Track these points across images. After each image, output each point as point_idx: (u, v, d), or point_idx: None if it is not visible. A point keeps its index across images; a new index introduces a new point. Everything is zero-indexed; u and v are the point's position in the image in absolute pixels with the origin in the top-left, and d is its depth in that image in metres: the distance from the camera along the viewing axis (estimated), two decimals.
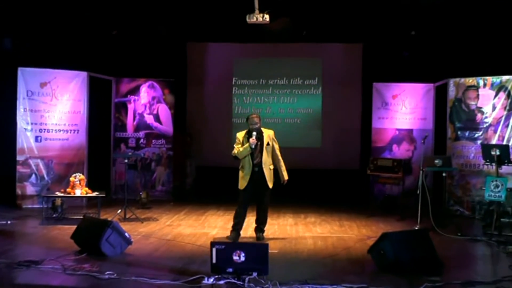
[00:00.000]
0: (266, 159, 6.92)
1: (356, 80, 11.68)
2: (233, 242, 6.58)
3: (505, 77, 9.13)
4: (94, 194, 8.32)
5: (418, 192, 7.94)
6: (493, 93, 9.23)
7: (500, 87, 9.16)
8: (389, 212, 9.41)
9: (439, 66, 10.47)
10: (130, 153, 10.22)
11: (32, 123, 9.63)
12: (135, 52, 11.24)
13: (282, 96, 11.98)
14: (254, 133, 6.82)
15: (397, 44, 10.98)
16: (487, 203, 8.04)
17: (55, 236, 7.17)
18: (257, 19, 8.73)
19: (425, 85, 10.54)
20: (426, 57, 10.75)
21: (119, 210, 8.53)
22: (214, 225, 8.18)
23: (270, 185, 6.99)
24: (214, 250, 5.14)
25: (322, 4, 9.91)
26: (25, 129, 9.58)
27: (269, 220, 8.58)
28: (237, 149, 6.92)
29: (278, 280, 5.08)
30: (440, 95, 10.24)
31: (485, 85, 9.34)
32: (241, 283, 5.00)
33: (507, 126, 9.02)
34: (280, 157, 7.08)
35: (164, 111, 10.88)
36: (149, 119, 10.86)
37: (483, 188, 7.80)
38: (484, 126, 9.28)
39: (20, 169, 9.53)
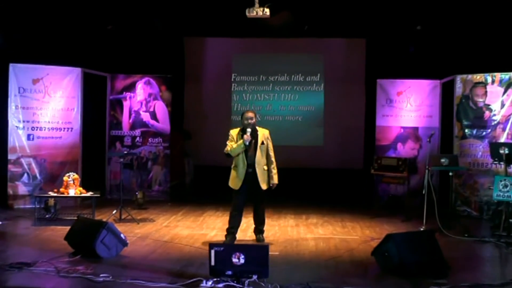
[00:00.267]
0: (260, 159, 6.84)
1: (360, 77, 11.67)
2: (232, 244, 6.57)
3: None
4: (89, 194, 8.32)
5: (423, 192, 7.94)
6: (501, 90, 9.22)
7: (509, 84, 9.15)
8: (393, 212, 9.40)
9: (445, 62, 10.46)
10: (125, 152, 10.23)
11: (24, 121, 9.62)
12: (130, 48, 11.23)
13: (283, 93, 11.97)
14: (249, 129, 6.76)
15: (402, 39, 10.96)
16: (495, 203, 8.03)
17: (48, 238, 7.15)
18: (257, 13, 8.72)
19: (431, 81, 10.53)
20: (432, 52, 10.73)
21: (115, 211, 8.52)
22: (212, 226, 8.17)
23: (264, 187, 6.87)
24: (212, 252, 5.13)
25: None
26: (16, 127, 9.57)
27: (269, 221, 8.62)
28: (230, 146, 6.84)
29: (279, 283, 5.08)
30: (447, 92, 10.23)
31: (493, 81, 9.32)
32: (241, 286, 5.00)
33: None
34: (273, 159, 6.96)
35: (160, 108, 10.87)
36: (145, 116, 10.85)
37: (491, 187, 7.79)
38: (493, 124, 9.27)
39: (11, 168, 9.52)
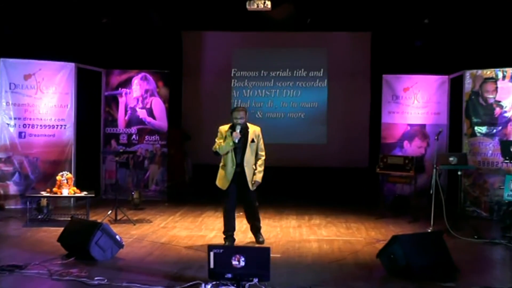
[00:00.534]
0: (249, 158, 6.75)
1: (365, 72, 11.67)
2: (232, 246, 6.57)
3: None
4: (83, 194, 8.31)
5: (431, 192, 7.93)
6: None
7: None
8: (400, 213, 9.40)
9: (454, 57, 10.45)
10: (121, 150, 10.22)
11: (15, 118, 9.62)
12: (126, 42, 11.22)
13: (284, 89, 11.97)
14: (239, 126, 6.68)
15: (409, 33, 10.95)
16: (506, 204, 8.02)
17: (41, 239, 7.15)
18: (257, 6, 8.72)
19: (439, 77, 10.52)
20: (440, 46, 10.72)
21: (110, 211, 8.52)
22: (211, 228, 8.16)
23: (252, 188, 6.78)
24: (211, 254, 5.12)
25: None
26: (7, 124, 9.57)
27: (270, 222, 8.64)
28: (218, 144, 6.78)
29: (280, 286, 5.08)
30: (456, 88, 10.22)
31: (504, 77, 9.31)
32: None
33: None
34: (263, 157, 6.85)
35: (157, 105, 10.86)
36: (141, 113, 10.85)
37: (502, 187, 7.77)
38: (503, 121, 9.25)
39: (2, 167, 9.52)
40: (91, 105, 10.83)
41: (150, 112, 10.87)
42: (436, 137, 8.39)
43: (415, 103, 10.53)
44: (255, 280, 5.05)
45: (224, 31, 11.92)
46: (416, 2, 9.97)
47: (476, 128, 9.55)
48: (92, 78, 10.77)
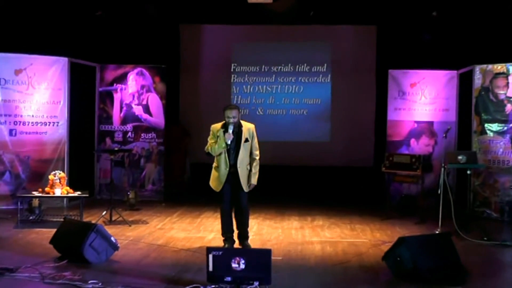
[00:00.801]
0: (243, 158, 6.68)
1: (370, 67, 11.66)
2: (231, 248, 6.56)
3: None
4: (76, 194, 8.31)
5: (439, 191, 7.92)
6: None
7: None
8: (406, 214, 9.41)
9: (463, 51, 10.43)
10: (116, 148, 10.21)
11: (5, 115, 9.61)
12: (121, 36, 11.21)
13: (286, 84, 11.96)
14: (231, 126, 6.59)
15: (416, 26, 10.93)
16: None
17: (32, 241, 7.15)
18: None
19: (447, 72, 10.51)
20: (449, 40, 10.71)
21: (104, 212, 8.52)
22: (210, 229, 8.17)
23: (246, 189, 6.72)
24: (210, 256, 5.13)
25: None
26: None
27: (272, 224, 8.65)
28: (210, 144, 6.73)
29: None
30: (465, 84, 10.20)
31: None
32: None
33: None
34: (257, 157, 6.77)
35: (154, 101, 10.85)
36: (137, 110, 10.84)
37: None
38: None
39: None
40: (85, 101, 10.82)
41: (147, 109, 10.85)
42: (444, 135, 8.38)
43: (423, 100, 10.51)
44: (256, 283, 5.06)
45: (224, 24, 11.90)
46: None
47: (486, 125, 9.53)
48: (86, 73, 10.75)
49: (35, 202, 8.52)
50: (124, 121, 10.87)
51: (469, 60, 10.04)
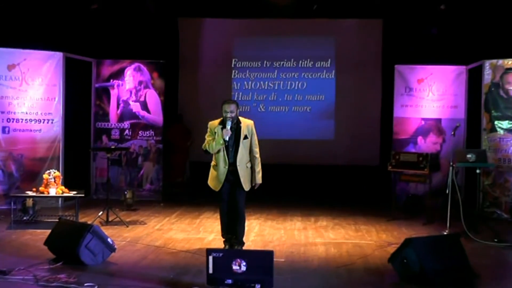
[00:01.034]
0: (243, 156, 6.66)
1: (375, 62, 11.66)
2: (232, 250, 6.55)
3: None
4: (72, 193, 8.30)
5: (447, 191, 7.92)
6: None
7: None
8: (413, 214, 9.41)
9: (472, 46, 10.41)
10: (113, 146, 10.21)
11: None
12: (118, 30, 11.20)
13: (289, 80, 11.96)
14: (229, 123, 6.56)
15: (424, 20, 10.92)
16: None
17: (26, 242, 7.14)
18: None
19: (456, 67, 10.49)
20: (458, 35, 10.69)
21: (101, 212, 8.52)
22: (210, 230, 8.16)
23: (246, 188, 6.70)
24: (210, 258, 5.13)
25: None
26: None
27: (274, 224, 8.64)
28: (208, 141, 6.69)
29: None
30: (474, 79, 10.19)
31: None
32: None
33: None
34: (257, 155, 6.75)
35: (152, 97, 10.85)
36: (135, 107, 10.84)
37: None
38: None
39: None
40: (81, 98, 10.82)
41: (144, 106, 10.85)
42: (452, 133, 8.37)
43: (430, 96, 10.50)
44: (257, 286, 5.06)
45: (224, 18, 11.90)
46: None
47: (496, 122, 9.52)
48: (82, 68, 10.76)
49: (29, 202, 8.51)
50: (121, 118, 10.87)
51: (478, 54, 10.02)
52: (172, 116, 11.59)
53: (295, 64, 11.94)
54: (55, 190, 8.20)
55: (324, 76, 11.93)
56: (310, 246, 7.27)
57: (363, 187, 11.23)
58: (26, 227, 7.99)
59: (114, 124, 10.89)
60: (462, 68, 10.47)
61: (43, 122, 9.89)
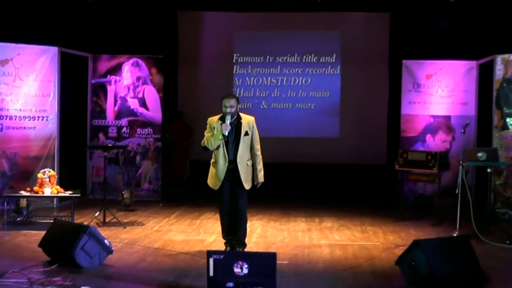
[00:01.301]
0: (243, 153, 6.67)
1: (382, 57, 11.63)
2: (234, 251, 6.55)
3: None
4: (67, 193, 8.30)
5: (457, 191, 7.90)
6: None
7: None
8: (421, 215, 9.41)
9: (483, 40, 10.39)
10: (110, 145, 10.21)
11: None
12: (115, 24, 11.19)
13: (293, 76, 11.94)
14: (228, 117, 6.56)
15: (432, 13, 10.89)
16: None
17: (20, 244, 7.15)
18: None
19: (466, 62, 10.47)
20: (468, 28, 10.66)
21: (97, 213, 8.52)
22: (211, 231, 8.17)
23: (247, 186, 6.70)
24: (211, 260, 5.12)
25: None
26: None
27: (277, 225, 8.64)
28: (207, 138, 6.70)
29: None
30: (485, 75, 10.17)
31: None
32: None
33: None
34: (258, 152, 6.76)
35: (151, 94, 10.86)
36: (133, 103, 10.84)
37: None
38: None
39: None
40: (77, 94, 10.83)
41: (143, 102, 10.86)
42: (462, 130, 8.36)
43: (439, 92, 10.48)
44: None
45: (225, 11, 11.89)
46: None
47: (508, 120, 9.51)
48: (78, 64, 10.76)
49: (23, 202, 8.52)
50: (118, 116, 10.88)
51: (489, 49, 10.00)
52: (171, 113, 11.59)
53: (298, 60, 11.92)
54: (50, 189, 8.20)
55: (329, 71, 11.91)
56: (315, 248, 7.26)
57: (369, 187, 11.23)
58: (19, 228, 8.00)
59: (111, 122, 10.89)
60: (473, 63, 10.44)
61: (38, 119, 9.89)
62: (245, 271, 5.09)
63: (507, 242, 7.45)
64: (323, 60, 11.91)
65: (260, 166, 6.78)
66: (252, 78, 12.03)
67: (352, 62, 11.79)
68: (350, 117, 11.80)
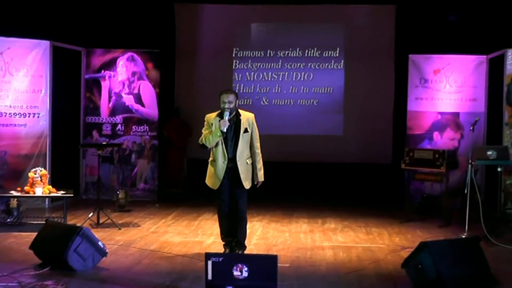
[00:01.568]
0: (243, 151, 6.66)
1: (388, 51, 11.64)
2: (233, 254, 6.55)
3: None
4: (59, 193, 8.30)
5: (466, 191, 7.90)
6: None
7: None
8: (429, 216, 9.41)
9: (494, 33, 10.38)
10: (104, 143, 10.21)
11: None
12: (110, 16, 11.19)
13: (295, 71, 11.95)
14: (227, 113, 6.55)
15: (440, 5, 10.89)
16: None
17: (10, 246, 7.15)
18: None
19: (475, 57, 10.47)
20: (478, 21, 10.66)
21: (91, 214, 8.52)
22: (209, 232, 8.17)
23: (247, 185, 6.69)
24: (209, 263, 5.12)
25: None
26: None
27: (278, 226, 8.64)
28: (205, 135, 6.69)
29: None
30: (495, 70, 10.16)
31: None
32: None
33: None
34: (258, 150, 6.77)
35: (147, 90, 10.85)
36: (128, 100, 10.84)
37: None
38: None
39: None
40: (69, 90, 10.82)
41: (138, 99, 10.85)
42: (471, 128, 8.34)
43: (447, 88, 10.48)
44: None
45: (225, 4, 11.89)
46: None
47: None
48: (71, 58, 10.75)
49: (13, 203, 8.52)
50: (113, 112, 10.87)
51: (500, 43, 9.99)
52: (168, 110, 11.59)
53: (301, 54, 11.92)
54: (41, 189, 8.19)
55: (332, 66, 11.91)
56: (317, 250, 7.26)
57: (374, 187, 11.23)
58: (10, 230, 7.99)
59: (106, 119, 10.89)
60: (482, 58, 10.44)
61: (29, 116, 9.89)
62: (245, 274, 5.08)
63: None
64: (326, 55, 11.90)
65: (260, 165, 6.78)
66: (252, 73, 12.02)
67: (356, 57, 11.79)
68: (354, 114, 11.80)
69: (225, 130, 6.53)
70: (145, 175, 10.90)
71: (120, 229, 8.24)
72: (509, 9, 10.20)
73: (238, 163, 6.62)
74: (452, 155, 9.70)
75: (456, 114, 10.47)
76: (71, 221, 8.47)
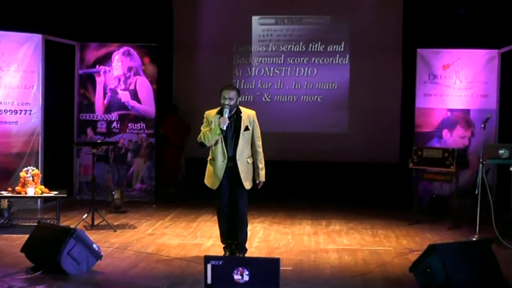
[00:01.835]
0: (243, 150, 6.66)
1: (395, 46, 11.64)
2: (233, 257, 6.55)
3: None
4: (52, 193, 8.30)
5: (476, 192, 7.90)
6: None
7: None
8: (438, 217, 9.39)
9: (505, 27, 10.37)
10: (99, 141, 10.21)
11: None
12: (105, 9, 11.20)
13: (298, 66, 11.94)
14: (227, 111, 6.54)
15: None
16: None
17: (0, 249, 7.15)
18: None
19: (487, 51, 10.45)
20: (489, 14, 10.64)
21: (85, 215, 8.52)
22: (208, 235, 8.17)
23: (247, 186, 6.69)
24: (209, 266, 5.13)
25: None
26: None
27: (280, 228, 8.64)
28: (204, 132, 6.69)
29: None
30: (507, 65, 10.16)
31: None
32: None
33: None
34: (260, 149, 6.75)
35: (143, 86, 10.85)
36: (124, 96, 10.84)
37: None
38: None
39: None
40: (63, 86, 10.82)
41: (135, 95, 10.85)
42: (482, 125, 8.34)
43: (457, 84, 10.47)
44: None
45: None
46: None
47: None
48: (64, 53, 10.76)
49: (4, 204, 8.54)
50: (108, 109, 10.88)
51: None
52: (166, 107, 11.58)
53: (304, 48, 11.92)
54: (33, 190, 8.19)
55: (337, 61, 11.91)
56: (321, 253, 7.26)
57: (381, 187, 11.23)
58: (0, 232, 7.98)
59: (101, 116, 10.89)
60: (494, 52, 10.42)
61: (20, 113, 9.89)
62: (246, 278, 5.09)
63: None
64: (331, 49, 11.90)
65: (261, 164, 6.77)
66: (253, 69, 12.03)
67: (362, 51, 11.79)
68: (360, 111, 11.80)
69: (224, 128, 6.52)
70: (142, 174, 10.91)
71: (115, 231, 8.24)
72: None
73: (238, 162, 6.61)
74: (462, 154, 9.71)
75: (466, 111, 10.45)
76: (65, 222, 8.47)
